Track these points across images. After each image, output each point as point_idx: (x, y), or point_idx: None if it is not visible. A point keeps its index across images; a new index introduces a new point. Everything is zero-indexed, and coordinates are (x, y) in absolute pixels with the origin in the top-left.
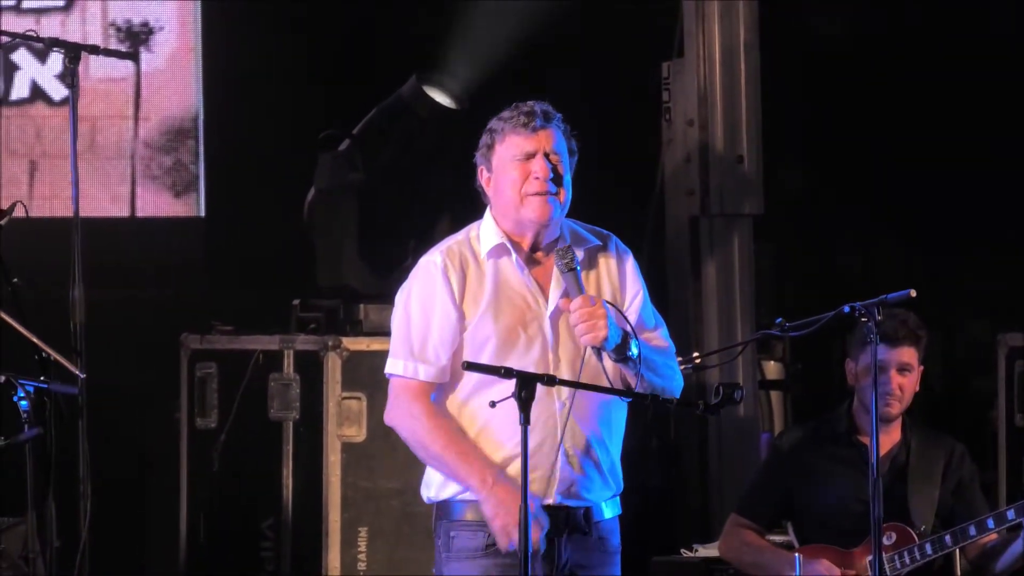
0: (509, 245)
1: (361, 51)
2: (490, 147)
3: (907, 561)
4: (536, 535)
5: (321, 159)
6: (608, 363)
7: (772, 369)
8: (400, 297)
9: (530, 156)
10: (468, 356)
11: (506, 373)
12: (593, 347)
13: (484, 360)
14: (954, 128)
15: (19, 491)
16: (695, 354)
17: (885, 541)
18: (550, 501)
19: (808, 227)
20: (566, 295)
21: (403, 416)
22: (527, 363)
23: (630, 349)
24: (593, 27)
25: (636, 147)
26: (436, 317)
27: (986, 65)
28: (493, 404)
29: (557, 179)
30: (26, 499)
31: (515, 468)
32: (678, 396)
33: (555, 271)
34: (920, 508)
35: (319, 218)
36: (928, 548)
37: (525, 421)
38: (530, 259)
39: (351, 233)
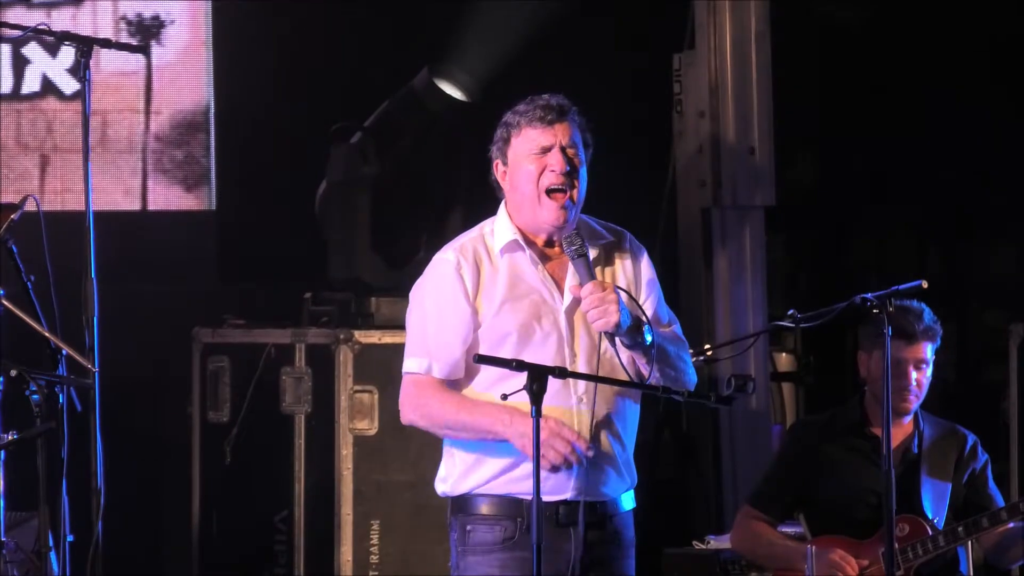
0: (522, 241)
1: (373, 44)
2: (506, 141)
3: (919, 552)
4: (582, 445)
5: (333, 152)
6: (624, 355)
7: (784, 361)
8: (414, 295)
9: (546, 150)
10: (485, 352)
11: (517, 366)
12: (606, 333)
13: (503, 357)
14: (967, 119)
15: (31, 486)
16: (706, 346)
17: (897, 533)
18: (567, 496)
19: (820, 218)
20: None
21: (414, 407)
22: (543, 358)
23: (643, 335)
24: (604, 19)
25: (648, 139)
26: (450, 315)
27: (1001, 55)
28: (505, 397)
29: (573, 172)
30: (38, 494)
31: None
32: (692, 389)
33: (570, 266)
34: (932, 500)
35: (331, 211)
36: (941, 540)
37: (537, 414)
38: (544, 254)
39: (363, 226)
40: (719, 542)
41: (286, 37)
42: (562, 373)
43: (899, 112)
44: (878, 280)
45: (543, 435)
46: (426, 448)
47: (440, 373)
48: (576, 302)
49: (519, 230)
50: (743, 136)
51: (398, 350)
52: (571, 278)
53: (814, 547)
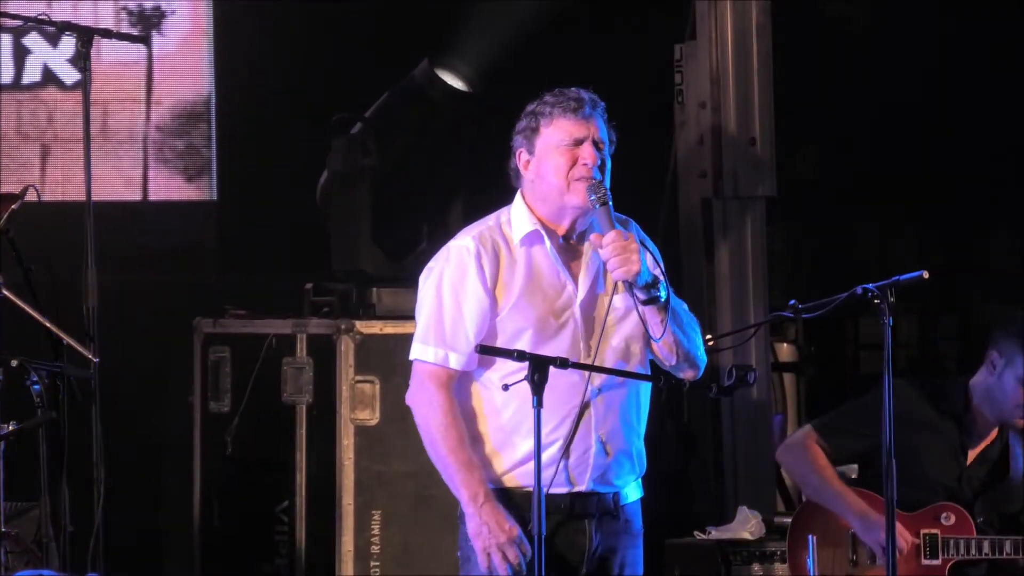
0: (543, 232)
1: (374, 34)
2: (534, 130)
3: (961, 550)
4: (515, 559)
5: (334, 143)
6: (648, 323)
7: (785, 351)
8: (429, 281)
9: (579, 142)
10: (502, 345)
11: (519, 356)
12: (625, 282)
13: (519, 349)
14: (968, 108)
15: (32, 476)
16: (708, 337)
17: (943, 521)
18: (582, 488)
19: (821, 209)
20: (599, 242)
21: (424, 403)
22: (559, 352)
23: (659, 289)
24: (606, 9)
25: (649, 130)
26: (468, 303)
27: (1003, 43)
28: (506, 387)
29: (602, 167)
30: (39, 484)
31: (548, 455)
32: (702, 366)
33: (587, 259)
34: (986, 502)
35: (332, 202)
36: (986, 547)
37: (538, 404)
38: (563, 246)
39: (364, 217)
40: (720, 532)
41: (287, 27)
42: (563, 364)
43: (901, 101)
44: (879, 271)
45: (478, 543)
46: None
47: (457, 364)
48: (592, 296)
49: (540, 220)
50: (744, 127)
51: (400, 340)
52: (586, 272)
53: (815, 537)
